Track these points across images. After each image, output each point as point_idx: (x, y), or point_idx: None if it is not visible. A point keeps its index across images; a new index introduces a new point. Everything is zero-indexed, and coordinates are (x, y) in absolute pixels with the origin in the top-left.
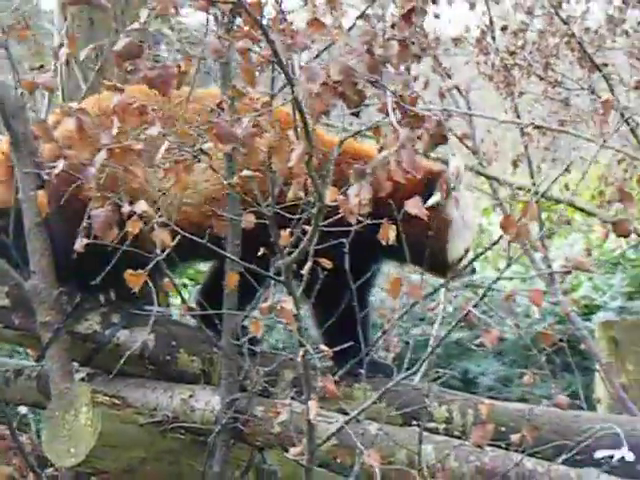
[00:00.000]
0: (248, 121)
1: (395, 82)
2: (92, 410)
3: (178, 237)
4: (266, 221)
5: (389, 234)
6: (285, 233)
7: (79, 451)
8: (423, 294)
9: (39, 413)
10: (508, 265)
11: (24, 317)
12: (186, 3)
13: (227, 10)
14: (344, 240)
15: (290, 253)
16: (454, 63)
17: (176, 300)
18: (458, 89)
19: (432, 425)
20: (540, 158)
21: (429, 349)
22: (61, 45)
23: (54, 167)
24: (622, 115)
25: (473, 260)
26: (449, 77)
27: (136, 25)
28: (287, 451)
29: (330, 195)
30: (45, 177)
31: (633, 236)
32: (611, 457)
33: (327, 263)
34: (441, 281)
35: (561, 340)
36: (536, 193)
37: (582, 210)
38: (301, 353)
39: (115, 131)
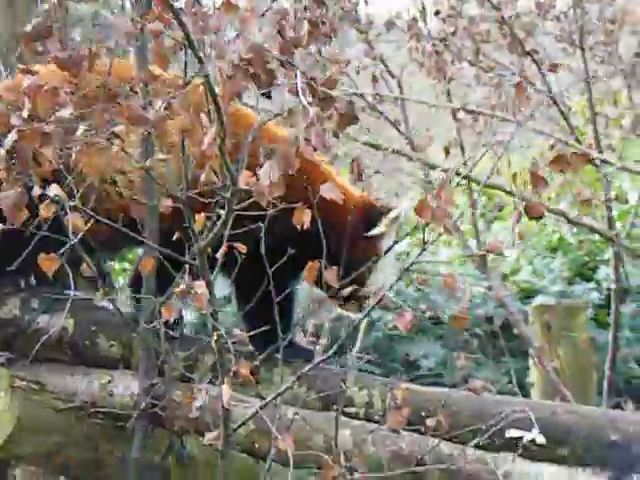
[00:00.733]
0: (161, 104)
1: (307, 64)
2: (10, 395)
3: (91, 222)
4: (179, 205)
5: (303, 219)
6: (200, 217)
7: None
8: None
9: None
10: (423, 249)
11: None
12: None
13: None
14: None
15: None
16: (387, 49)
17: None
18: (391, 73)
19: (352, 410)
20: (473, 143)
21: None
22: None
23: None
24: (552, 99)
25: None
26: (382, 62)
27: (46, 6)
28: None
29: (243, 179)
30: None
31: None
32: (520, 438)
33: (242, 248)
34: None
35: (491, 323)
36: (458, 175)
37: (504, 191)
38: (214, 337)
39: (26, 113)
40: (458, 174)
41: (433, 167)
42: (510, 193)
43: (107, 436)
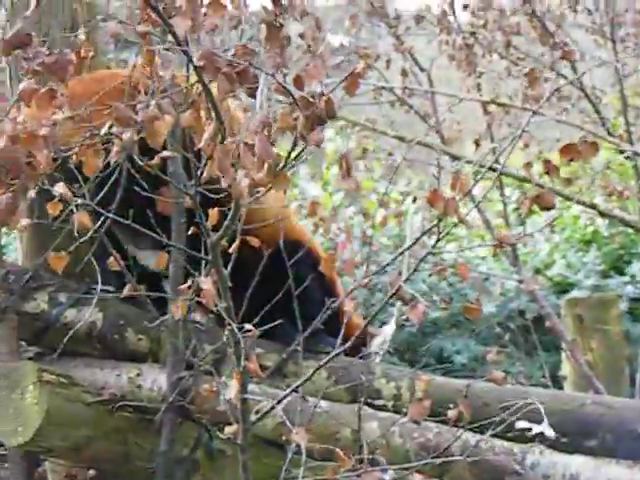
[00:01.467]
0: (154, 103)
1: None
2: (39, 389)
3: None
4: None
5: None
6: (213, 212)
7: (26, 430)
8: None
9: None
10: (438, 240)
11: None
12: None
13: None
14: None
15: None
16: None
17: None
18: (420, 67)
19: (380, 402)
20: (503, 137)
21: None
22: None
23: None
24: (583, 91)
25: None
26: (411, 56)
27: (28, 13)
28: None
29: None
30: None
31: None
32: (529, 430)
33: (255, 242)
34: None
35: (524, 318)
36: (482, 167)
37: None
38: (226, 332)
39: (21, 117)
40: (482, 166)
41: (458, 158)
42: (526, 180)
43: (135, 429)
